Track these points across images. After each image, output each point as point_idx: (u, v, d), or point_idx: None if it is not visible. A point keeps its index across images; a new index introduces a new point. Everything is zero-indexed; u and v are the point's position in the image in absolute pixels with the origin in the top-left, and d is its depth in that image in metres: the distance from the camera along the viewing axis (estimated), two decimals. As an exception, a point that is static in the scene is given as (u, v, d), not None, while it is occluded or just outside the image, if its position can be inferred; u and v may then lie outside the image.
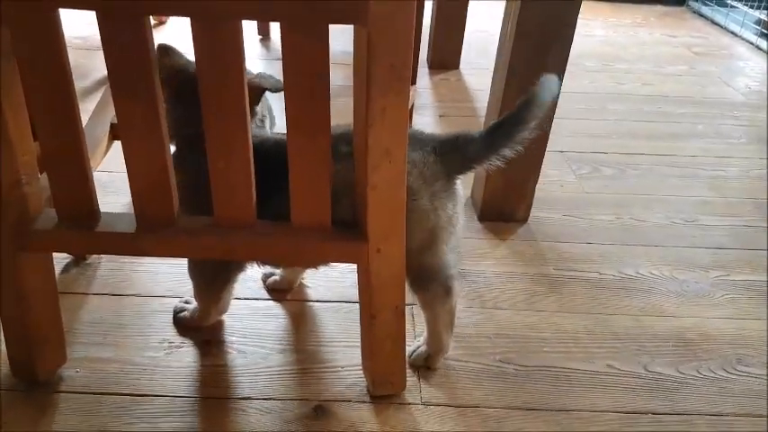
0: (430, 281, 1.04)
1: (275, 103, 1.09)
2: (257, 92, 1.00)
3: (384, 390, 1.05)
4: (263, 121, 1.08)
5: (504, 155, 0.98)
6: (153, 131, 0.83)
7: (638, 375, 1.14)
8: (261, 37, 2.72)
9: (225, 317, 1.19)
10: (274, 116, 1.12)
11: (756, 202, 1.73)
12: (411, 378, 1.09)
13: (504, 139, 0.96)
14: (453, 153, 0.97)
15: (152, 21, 0.78)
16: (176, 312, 1.19)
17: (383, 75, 0.77)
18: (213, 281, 1.11)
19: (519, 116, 0.95)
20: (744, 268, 1.45)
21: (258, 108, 1.05)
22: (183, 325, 1.17)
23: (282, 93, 0.81)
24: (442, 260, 1.02)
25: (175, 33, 2.61)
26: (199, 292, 1.14)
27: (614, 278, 1.39)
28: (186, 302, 1.19)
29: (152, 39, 0.78)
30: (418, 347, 1.13)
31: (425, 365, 1.12)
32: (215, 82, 0.80)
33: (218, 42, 0.77)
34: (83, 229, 0.90)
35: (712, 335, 1.24)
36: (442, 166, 0.97)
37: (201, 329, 1.16)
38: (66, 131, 0.83)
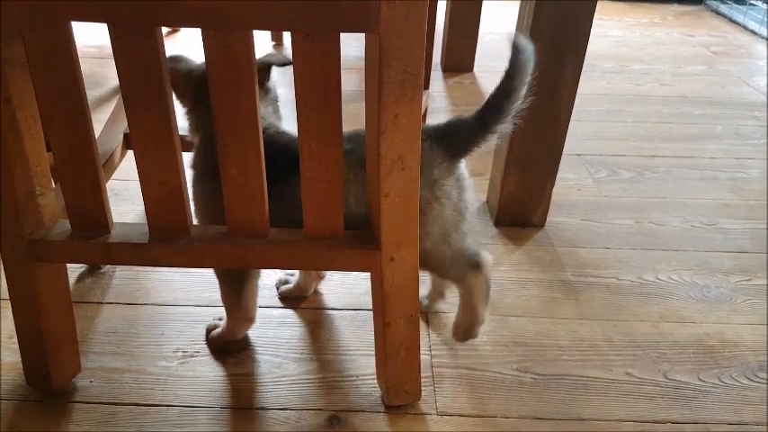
0: (453, 267, 1.03)
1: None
2: (265, 68, 1.04)
3: (399, 400, 1.03)
4: (275, 101, 1.09)
5: (502, 131, 0.97)
6: (165, 141, 0.83)
7: (658, 383, 1.12)
8: (274, 43, 2.72)
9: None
10: (277, 95, 1.11)
11: (778, 204, 1.70)
12: (426, 388, 1.08)
13: (497, 115, 0.95)
14: (449, 137, 0.96)
15: (166, 29, 0.78)
16: (209, 330, 1.16)
17: (395, 81, 0.76)
18: (232, 272, 1.08)
19: (506, 87, 0.94)
20: (766, 272, 1.42)
21: (270, 85, 1.07)
22: (216, 342, 1.15)
23: (294, 98, 0.81)
24: (456, 247, 1.01)
25: (189, 41, 2.63)
26: (223, 292, 1.11)
27: (633, 284, 1.37)
28: (219, 319, 1.17)
29: (164, 50, 0.78)
30: (456, 326, 1.13)
31: (466, 337, 1.13)
32: (227, 92, 0.79)
33: (230, 53, 0.76)
34: (96, 239, 0.90)
35: (734, 341, 1.22)
36: (439, 151, 0.96)
37: (231, 343, 1.15)
38: (79, 142, 0.83)
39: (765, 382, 1.13)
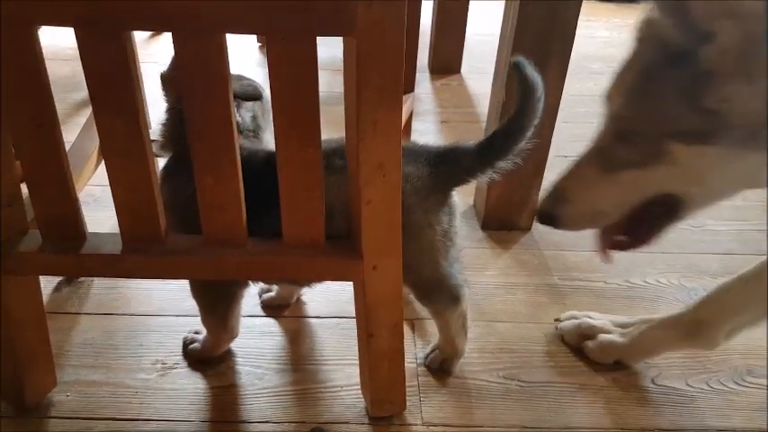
0: (435, 293, 1.02)
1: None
2: None
3: (383, 410, 1.01)
4: (255, 132, 1.04)
5: (501, 167, 0.95)
6: (137, 150, 0.80)
7: (646, 389, 1.10)
8: (260, 44, 2.69)
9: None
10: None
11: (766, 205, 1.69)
12: (412, 398, 1.06)
13: (500, 153, 0.94)
14: (448, 165, 0.95)
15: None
16: (186, 344, 1.13)
17: (374, 86, 0.75)
18: (216, 301, 1.07)
19: (515, 126, 0.92)
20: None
21: (239, 119, 1.00)
22: (195, 356, 1.11)
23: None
24: (443, 273, 1.00)
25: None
26: (205, 317, 1.09)
27: (620, 287, 1.35)
28: (196, 333, 1.14)
29: (134, 54, 0.75)
30: (433, 351, 1.12)
31: (442, 369, 1.11)
32: (200, 96, 0.77)
33: (202, 56, 0.74)
34: (68, 251, 0.87)
35: (722, 345, 1.20)
36: (436, 179, 0.94)
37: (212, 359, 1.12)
38: (48, 149, 0.81)
39: (754, 386, 1.12)
